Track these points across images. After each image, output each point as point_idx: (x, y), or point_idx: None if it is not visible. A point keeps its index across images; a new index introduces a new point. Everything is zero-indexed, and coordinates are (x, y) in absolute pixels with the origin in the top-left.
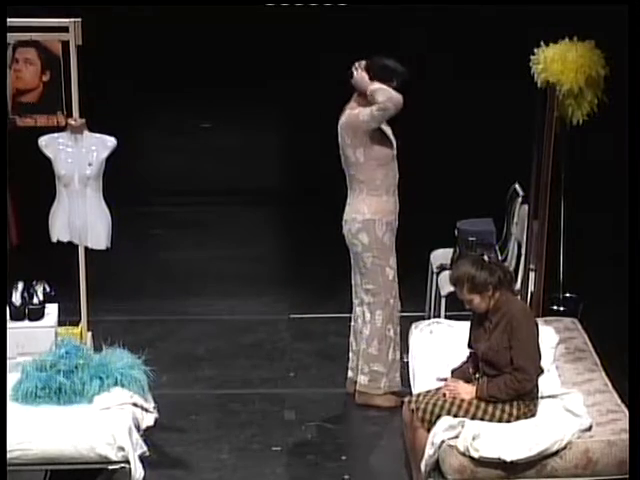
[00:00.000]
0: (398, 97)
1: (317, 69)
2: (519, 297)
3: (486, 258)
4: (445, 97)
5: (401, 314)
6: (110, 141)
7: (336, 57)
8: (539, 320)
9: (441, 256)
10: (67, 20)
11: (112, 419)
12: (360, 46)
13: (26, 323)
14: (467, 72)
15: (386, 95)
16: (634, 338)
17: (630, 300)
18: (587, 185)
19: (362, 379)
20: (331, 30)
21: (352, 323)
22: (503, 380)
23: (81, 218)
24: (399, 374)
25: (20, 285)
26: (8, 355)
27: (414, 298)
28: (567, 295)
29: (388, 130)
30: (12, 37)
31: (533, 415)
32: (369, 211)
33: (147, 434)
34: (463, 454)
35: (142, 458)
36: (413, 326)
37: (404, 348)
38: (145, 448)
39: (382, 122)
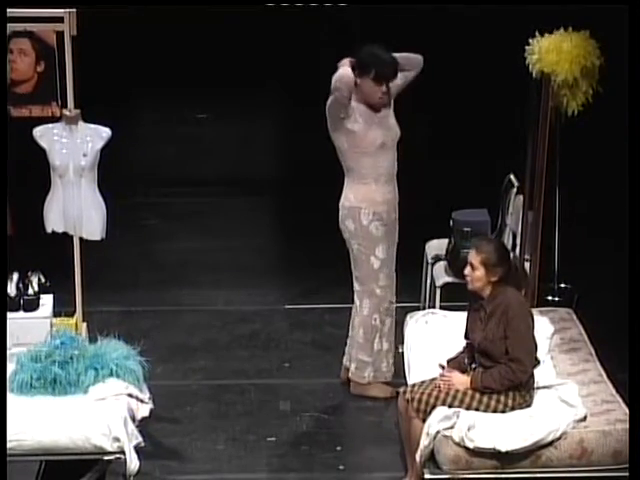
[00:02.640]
0: (342, 74)
1: (315, 60)
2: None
3: (512, 256)
4: (440, 88)
5: (396, 305)
6: (105, 132)
7: (336, 47)
8: (534, 311)
9: (436, 246)
10: (62, 10)
11: (107, 410)
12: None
13: (21, 314)
14: (462, 63)
15: (334, 77)
16: (634, 334)
17: (630, 296)
18: (582, 176)
19: (352, 367)
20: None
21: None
22: (498, 371)
23: (76, 209)
24: (388, 364)
25: (15, 276)
26: None
27: (409, 289)
28: (562, 286)
29: (383, 118)
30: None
31: (528, 406)
32: (355, 199)
33: (142, 425)
34: (458, 444)
35: (137, 449)
36: (408, 317)
37: (399, 339)
38: (140, 439)
39: (340, 106)
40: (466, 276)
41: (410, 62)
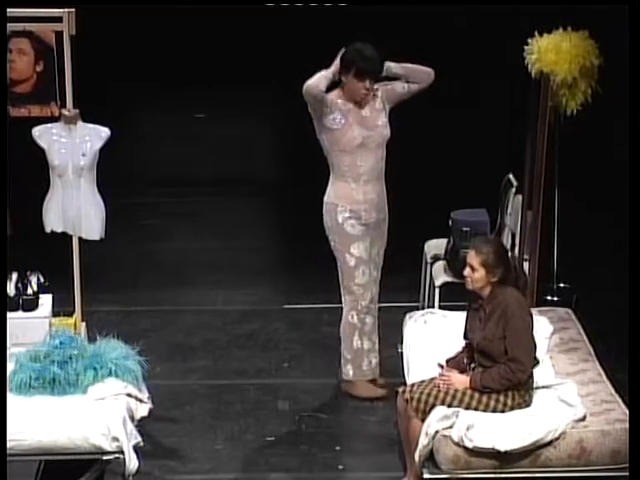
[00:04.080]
0: (308, 82)
1: (316, 60)
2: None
3: (510, 254)
4: (439, 87)
5: (396, 304)
6: (104, 131)
7: (333, 48)
8: (533, 310)
9: (435, 246)
10: (61, 10)
11: (106, 409)
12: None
13: (20, 314)
14: (462, 63)
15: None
16: (634, 334)
17: (630, 296)
18: (581, 176)
19: (340, 364)
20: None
21: None
22: (497, 371)
23: (75, 208)
24: (370, 363)
25: (14, 276)
26: None
27: (408, 288)
28: (561, 285)
29: (367, 118)
30: None
31: (527, 405)
32: (334, 195)
33: (141, 424)
34: (457, 444)
35: (136, 448)
36: (407, 316)
37: (399, 338)
38: (139, 438)
39: (314, 110)
40: (466, 277)
41: (417, 75)
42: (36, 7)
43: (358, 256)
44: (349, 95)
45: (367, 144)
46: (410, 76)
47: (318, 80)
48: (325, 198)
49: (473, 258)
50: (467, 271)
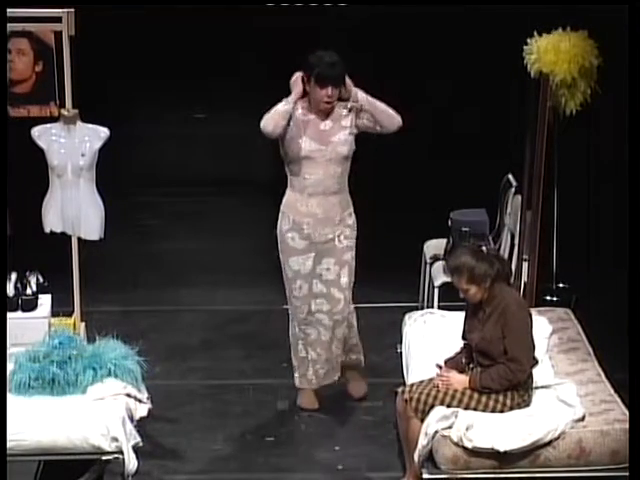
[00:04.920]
0: (264, 124)
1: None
2: (514, 288)
3: (484, 249)
4: (438, 87)
5: (395, 304)
6: (103, 132)
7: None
8: (532, 310)
9: (434, 246)
10: (60, 10)
11: (105, 410)
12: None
13: (19, 314)
14: (460, 63)
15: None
16: (634, 334)
17: (630, 296)
18: (580, 175)
19: None
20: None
21: None
22: (496, 371)
23: (74, 209)
24: (316, 373)
25: (13, 276)
26: None
27: (407, 288)
28: (560, 285)
29: (324, 133)
30: None
31: (527, 405)
32: (283, 203)
33: (140, 425)
34: (456, 444)
35: (135, 449)
36: (406, 316)
37: (398, 338)
38: (139, 439)
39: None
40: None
41: (382, 117)
42: (35, 7)
43: (296, 269)
44: (312, 104)
45: (315, 158)
46: (375, 115)
47: (275, 122)
48: (281, 206)
49: (458, 282)
50: (462, 294)
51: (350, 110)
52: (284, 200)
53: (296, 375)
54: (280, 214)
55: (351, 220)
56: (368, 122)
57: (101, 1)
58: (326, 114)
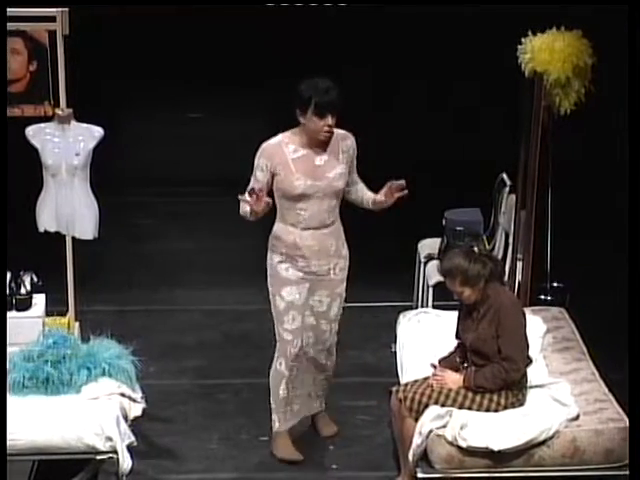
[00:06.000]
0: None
1: (312, 60)
2: (507, 287)
3: (476, 249)
4: (433, 86)
5: (390, 304)
6: (97, 131)
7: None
8: (526, 310)
9: (428, 246)
10: (54, 10)
11: (100, 409)
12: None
13: (13, 313)
14: (454, 62)
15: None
16: (633, 334)
17: (630, 296)
18: (575, 175)
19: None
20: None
21: None
22: (491, 370)
23: (68, 208)
24: (292, 411)
25: (7, 275)
26: None
27: (402, 288)
28: (554, 285)
29: (318, 168)
30: None
31: (521, 404)
32: (273, 234)
33: (135, 424)
34: (451, 443)
35: (130, 448)
36: (401, 316)
37: (392, 338)
38: (133, 438)
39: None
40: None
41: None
42: (34, 7)
43: (289, 300)
44: (308, 137)
45: (310, 194)
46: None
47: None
48: (270, 237)
49: (451, 284)
50: (457, 296)
51: (345, 143)
52: (274, 232)
53: (274, 418)
54: (270, 246)
55: (345, 250)
56: (351, 179)
57: (99, 1)
58: (322, 147)
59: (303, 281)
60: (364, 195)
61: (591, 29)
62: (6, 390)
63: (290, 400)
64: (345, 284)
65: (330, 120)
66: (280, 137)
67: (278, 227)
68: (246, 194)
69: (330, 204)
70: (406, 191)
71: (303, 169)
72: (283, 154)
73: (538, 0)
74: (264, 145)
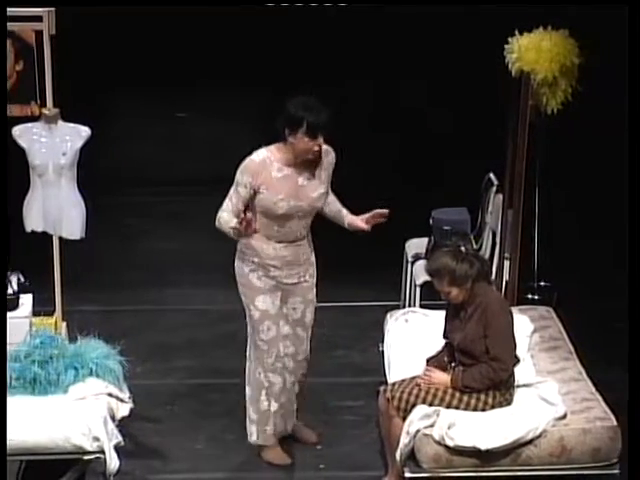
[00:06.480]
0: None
1: (299, 59)
2: (494, 287)
3: (463, 249)
4: (419, 86)
5: (377, 303)
6: (84, 131)
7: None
8: (514, 309)
9: (416, 245)
10: (41, 9)
11: (87, 409)
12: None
13: None
14: (441, 62)
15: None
16: (633, 334)
17: (630, 296)
18: (561, 174)
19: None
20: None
21: None
22: (479, 370)
23: (56, 208)
24: (275, 427)
25: None
26: None
27: (389, 287)
28: (542, 284)
29: (301, 188)
30: None
31: (508, 404)
32: (244, 244)
33: (122, 424)
34: (438, 443)
35: (117, 448)
36: (388, 315)
37: (380, 337)
38: (120, 438)
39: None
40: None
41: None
42: (37, 7)
43: (263, 309)
44: (295, 156)
45: (292, 214)
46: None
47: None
48: (238, 244)
49: (439, 284)
50: (444, 296)
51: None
52: (245, 241)
53: (253, 429)
54: (239, 254)
55: (313, 257)
56: (327, 199)
57: (97, 2)
58: (307, 165)
59: (275, 289)
60: (338, 211)
61: (579, 28)
62: (6, 390)
63: (275, 414)
64: (315, 290)
65: (321, 140)
66: (264, 153)
67: (258, 240)
68: (234, 221)
69: (307, 221)
70: (385, 218)
71: (287, 190)
72: (267, 173)
73: (538, 0)
74: (247, 162)
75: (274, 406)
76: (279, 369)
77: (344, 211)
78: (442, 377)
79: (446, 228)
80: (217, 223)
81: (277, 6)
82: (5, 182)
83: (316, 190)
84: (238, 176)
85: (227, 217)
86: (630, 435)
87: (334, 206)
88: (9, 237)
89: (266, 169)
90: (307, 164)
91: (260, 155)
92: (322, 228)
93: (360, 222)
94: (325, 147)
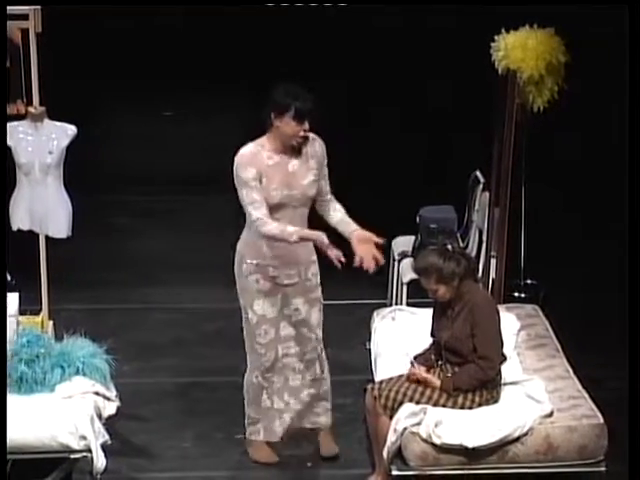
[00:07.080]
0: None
1: (286, 59)
2: (481, 285)
3: (450, 247)
4: (406, 84)
5: (364, 301)
6: (70, 129)
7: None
8: (500, 307)
9: (402, 243)
10: (27, 7)
11: (74, 408)
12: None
13: None
14: (428, 60)
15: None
16: (633, 334)
17: (630, 296)
18: (548, 172)
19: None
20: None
21: None
22: (467, 372)
23: (42, 206)
24: (283, 423)
25: None
26: None
27: (376, 285)
28: (528, 282)
29: (292, 176)
30: None
31: (495, 402)
32: (241, 246)
33: (109, 423)
34: (425, 441)
35: (104, 447)
36: (375, 313)
37: (367, 335)
38: (107, 437)
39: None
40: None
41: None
42: (37, 5)
43: (261, 314)
44: (281, 142)
45: (286, 203)
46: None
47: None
48: (238, 245)
49: (426, 282)
50: (431, 294)
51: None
52: (242, 242)
53: (258, 427)
54: (237, 256)
55: (314, 255)
56: (320, 188)
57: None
58: (294, 152)
59: (275, 291)
60: (341, 218)
61: (564, 26)
62: (6, 390)
63: (281, 411)
64: (320, 289)
65: (307, 125)
66: (252, 146)
67: (248, 235)
68: (293, 229)
69: (303, 213)
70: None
71: (279, 177)
72: (260, 162)
73: (535, 1)
74: (239, 157)
75: (278, 404)
76: (279, 369)
77: (348, 221)
78: (431, 382)
79: (433, 226)
80: (264, 229)
81: (277, 6)
82: (5, 182)
83: (306, 177)
84: (241, 174)
85: (280, 225)
86: (630, 435)
87: (338, 211)
88: (9, 237)
89: (258, 159)
90: (295, 152)
91: (248, 148)
92: (309, 226)
93: (356, 242)
94: (312, 135)
